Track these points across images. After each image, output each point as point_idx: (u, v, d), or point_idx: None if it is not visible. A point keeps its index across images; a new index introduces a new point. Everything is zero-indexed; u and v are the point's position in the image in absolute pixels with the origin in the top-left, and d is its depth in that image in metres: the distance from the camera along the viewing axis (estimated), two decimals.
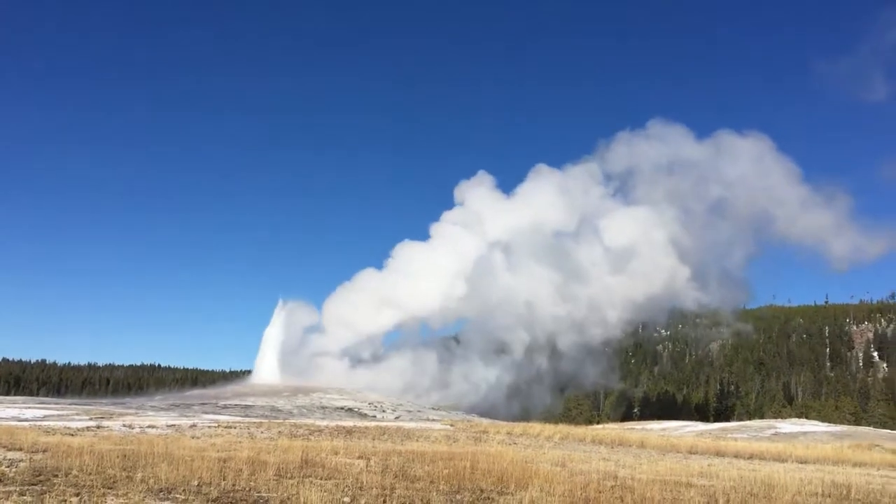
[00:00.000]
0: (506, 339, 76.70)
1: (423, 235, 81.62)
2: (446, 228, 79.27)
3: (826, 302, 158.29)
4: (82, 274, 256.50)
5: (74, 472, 11.26)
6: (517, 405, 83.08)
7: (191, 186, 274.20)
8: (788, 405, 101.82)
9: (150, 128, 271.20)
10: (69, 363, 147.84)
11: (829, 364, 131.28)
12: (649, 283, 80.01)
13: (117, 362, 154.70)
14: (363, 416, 44.77)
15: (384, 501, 10.06)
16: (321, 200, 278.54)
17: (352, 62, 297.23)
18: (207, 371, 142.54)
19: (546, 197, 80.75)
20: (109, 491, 9.85)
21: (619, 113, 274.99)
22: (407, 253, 78.16)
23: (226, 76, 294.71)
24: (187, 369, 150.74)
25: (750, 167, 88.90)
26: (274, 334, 69.58)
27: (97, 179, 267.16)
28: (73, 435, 19.00)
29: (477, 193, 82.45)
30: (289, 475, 12.17)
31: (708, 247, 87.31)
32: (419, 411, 50.86)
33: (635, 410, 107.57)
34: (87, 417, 26.95)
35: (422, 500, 10.46)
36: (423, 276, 73.92)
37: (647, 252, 79.21)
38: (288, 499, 9.92)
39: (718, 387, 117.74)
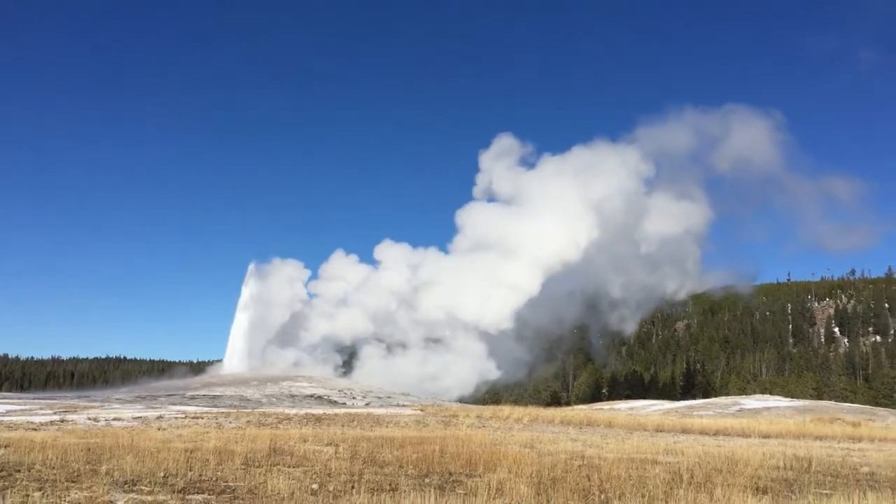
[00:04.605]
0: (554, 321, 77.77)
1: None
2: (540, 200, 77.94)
3: (788, 279, 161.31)
4: (45, 267, 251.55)
5: (38, 466, 11.09)
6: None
7: (171, 179, 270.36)
8: (753, 381, 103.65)
9: (147, 125, 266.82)
10: (32, 357, 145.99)
11: (791, 340, 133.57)
12: (673, 274, 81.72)
13: (82, 355, 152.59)
14: (333, 403, 44.70)
15: (352, 487, 10.06)
16: (311, 191, 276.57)
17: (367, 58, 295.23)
18: (175, 362, 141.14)
19: (602, 179, 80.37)
20: (73, 484, 9.71)
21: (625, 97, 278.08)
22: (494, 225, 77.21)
23: (239, 77, 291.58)
24: (154, 361, 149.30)
25: (760, 145, 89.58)
26: (243, 319, 69.56)
27: (63, 176, 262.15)
28: (36, 429, 18.72)
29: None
30: (256, 464, 12.12)
31: (719, 226, 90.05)
32: (389, 397, 50.90)
33: (604, 391, 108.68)
34: (51, 411, 26.55)
35: (390, 484, 10.49)
36: (526, 249, 73.44)
37: (674, 246, 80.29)
38: (255, 487, 9.88)
39: (685, 365, 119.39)
